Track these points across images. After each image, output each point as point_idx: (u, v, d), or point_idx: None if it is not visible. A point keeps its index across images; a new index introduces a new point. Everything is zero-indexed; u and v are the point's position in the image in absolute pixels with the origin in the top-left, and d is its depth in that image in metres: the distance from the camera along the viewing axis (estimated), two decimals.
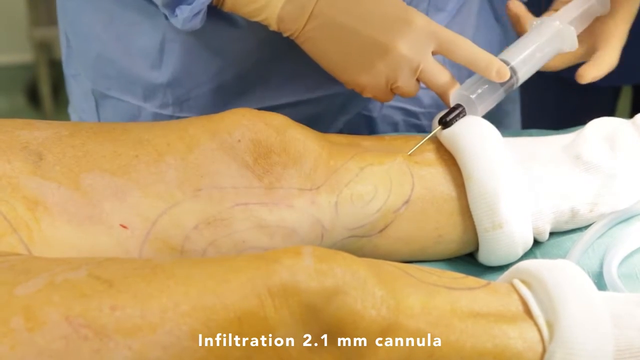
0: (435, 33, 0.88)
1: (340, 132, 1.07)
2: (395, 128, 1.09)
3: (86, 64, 1.05)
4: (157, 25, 0.95)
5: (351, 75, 0.90)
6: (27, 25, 2.79)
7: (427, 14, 1.02)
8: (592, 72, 0.94)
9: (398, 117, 1.08)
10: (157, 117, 1.02)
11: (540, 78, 1.47)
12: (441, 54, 0.90)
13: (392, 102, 1.06)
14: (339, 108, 1.04)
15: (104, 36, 1.00)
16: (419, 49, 0.88)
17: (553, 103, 1.53)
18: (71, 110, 1.14)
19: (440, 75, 0.89)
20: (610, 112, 1.55)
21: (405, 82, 0.89)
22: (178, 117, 1.01)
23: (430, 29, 0.88)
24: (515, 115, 1.25)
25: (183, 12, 0.88)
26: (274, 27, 0.88)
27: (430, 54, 0.89)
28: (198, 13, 0.88)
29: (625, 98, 1.68)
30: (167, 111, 1.01)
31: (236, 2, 0.88)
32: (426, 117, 1.09)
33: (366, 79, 0.89)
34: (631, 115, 0.96)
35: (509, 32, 1.09)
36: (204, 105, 1.00)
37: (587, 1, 0.96)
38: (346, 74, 0.90)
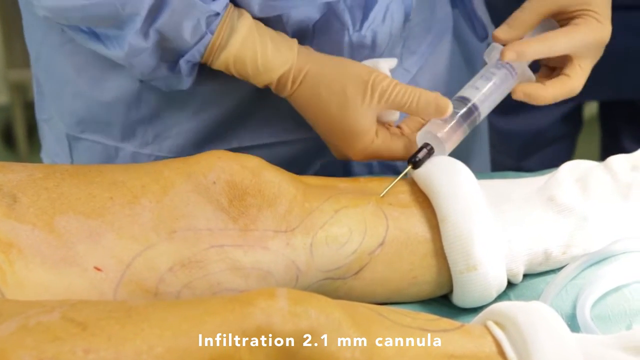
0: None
1: (316, 174, 1.07)
2: (370, 169, 1.10)
3: (60, 108, 1.05)
4: None
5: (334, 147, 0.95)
6: (3, 67, 2.79)
7: (400, 56, 1.03)
8: (551, 92, 0.96)
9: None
10: (136, 157, 1.02)
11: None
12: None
13: None
14: (316, 151, 1.04)
15: (79, 80, 1.00)
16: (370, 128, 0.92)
17: (518, 134, 1.55)
18: (44, 154, 1.14)
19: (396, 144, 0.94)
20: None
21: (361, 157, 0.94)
22: (157, 157, 1.01)
23: (381, 146, 0.93)
24: (483, 154, 1.26)
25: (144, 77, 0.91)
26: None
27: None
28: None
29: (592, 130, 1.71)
30: (147, 150, 1.01)
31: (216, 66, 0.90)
32: None
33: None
34: (600, 154, 0.97)
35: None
36: (184, 145, 1.00)
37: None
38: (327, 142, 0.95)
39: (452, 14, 1.12)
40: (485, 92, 0.94)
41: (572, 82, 0.96)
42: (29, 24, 1.03)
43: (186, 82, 0.91)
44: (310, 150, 1.04)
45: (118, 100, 0.99)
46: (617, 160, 0.90)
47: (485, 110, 0.95)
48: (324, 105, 0.91)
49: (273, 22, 0.92)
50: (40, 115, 1.10)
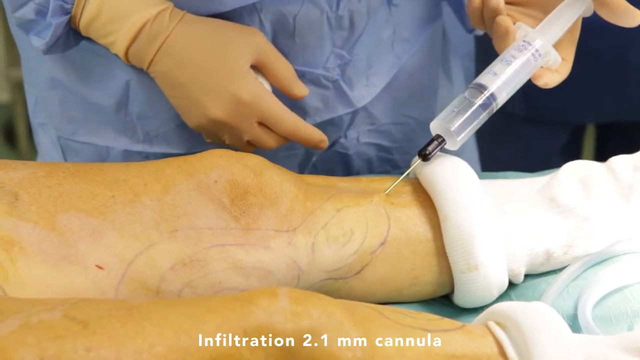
0: (258, 108, 0.91)
1: (315, 168, 1.08)
2: (369, 163, 1.10)
3: (50, 111, 1.05)
4: (120, 67, 0.96)
5: (191, 124, 0.94)
6: (4, 65, 2.79)
7: (392, 43, 1.04)
8: (553, 77, 0.92)
9: (372, 152, 1.09)
10: (128, 155, 1.03)
11: (510, 119, 1.48)
12: (267, 126, 0.93)
13: (365, 138, 1.08)
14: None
15: (67, 81, 1.01)
16: (241, 120, 0.91)
17: (519, 141, 1.55)
18: (40, 159, 1.14)
19: (267, 141, 0.94)
20: (577, 150, 1.58)
21: (237, 144, 0.94)
22: (148, 154, 1.02)
23: (254, 103, 0.91)
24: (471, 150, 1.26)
25: (36, 42, 0.92)
26: None
27: (256, 125, 0.92)
28: (56, 42, 0.92)
29: (590, 138, 1.70)
30: (138, 147, 1.02)
31: (89, 31, 0.92)
32: (398, 151, 1.10)
33: (204, 132, 0.95)
34: (595, 155, 0.97)
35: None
36: (175, 141, 1.01)
37: (573, 16, 0.91)
38: (188, 121, 0.94)
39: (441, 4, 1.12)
40: (504, 79, 0.88)
41: (570, 63, 0.94)
42: (15, 28, 1.04)
43: (53, 34, 0.91)
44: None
45: (107, 100, 1.00)
46: (618, 161, 0.90)
47: (503, 98, 0.89)
48: (201, 48, 0.91)
49: (248, 12, 0.93)
50: (35, 119, 1.11)
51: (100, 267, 0.76)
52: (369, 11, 0.99)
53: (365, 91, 1.04)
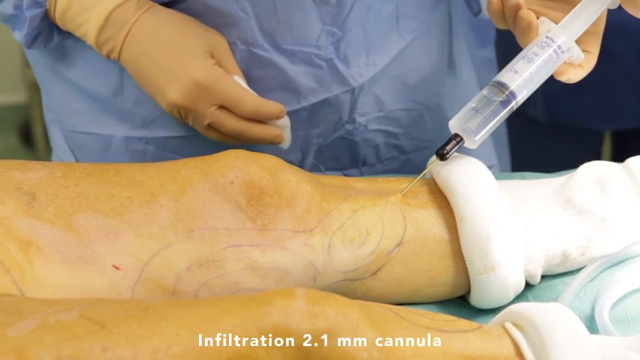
0: (216, 90, 0.92)
1: (321, 153, 1.08)
2: (376, 150, 1.10)
3: (55, 105, 1.07)
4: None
5: (160, 105, 0.95)
6: (21, 66, 2.80)
7: (397, 20, 1.04)
8: (576, 72, 0.90)
9: (379, 139, 1.09)
10: (129, 142, 1.04)
11: (530, 123, 1.47)
12: (228, 109, 0.94)
13: (373, 125, 1.08)
14: (306, 122, 1.05)
15: (67, 73, 1.03)
16: (199, 103, 0.92)
17: (542, 147, 1.54)
18: (55, 157, 1.15)
19: (228, 124, 0.94)
20: (597, 156, 1.57)
21: (198, 128, 0.95)
22: (147, 139, 1.03)
23: (211, 85, 0.92)
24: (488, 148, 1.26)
25: (18, 36, 0.95)
26: None
27: (213, 108, 0.93)
28: (37, 37, 0.95)
29: (607, 143, 1.69)
30: (138, 133, 1.03)
31: (65, 23, 0.94)
32: (405, 137, 1.10)
33: (173, 115, 0.96)
34: (612, 158, 0.96)
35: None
36: (172, 124, 1.02)
37: (598, 10, 0.89)
38: (156, 102, 0.96)
39: None
40: (525, 77, 0.86)
41: (595, 56, 0.91)
42: None
43: (29, 25, 0.94)
44: (301, 123, 1.05)
45: (104, 89, 1.01)
46: (636, 162, 0.90)
47: (523, 97, 0.87)
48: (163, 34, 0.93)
49: None
50: (47, 115, 1.12)
51: (117, 268, 0.76)
52: None
53: (364, 69, 1.03)
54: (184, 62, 0.92)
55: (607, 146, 1.69)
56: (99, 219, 0.77)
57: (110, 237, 0.77)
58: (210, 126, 0.94)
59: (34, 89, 2.81)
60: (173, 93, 0.92)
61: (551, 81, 0.90)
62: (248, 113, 0.93)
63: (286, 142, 0.99)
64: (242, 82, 0.96)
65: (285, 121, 0.98)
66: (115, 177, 0.81)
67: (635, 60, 1.33)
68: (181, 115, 0.95)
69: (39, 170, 0.80)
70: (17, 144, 3.03)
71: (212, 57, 0.94)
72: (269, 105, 0.95)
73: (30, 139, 2.93)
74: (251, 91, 0.95)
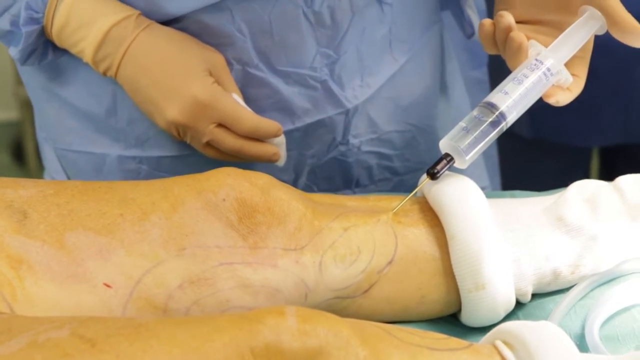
0: (215, 108, 0.93)
1: (314, 174, 1.08)
2: (369, 171, 1.10)
3: (48, 124, 1.07)
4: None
5: (160, 126, 0.96)
6: (14, 83, 2.80)
7: (389, 43, 1.04)
8: (564, 95, 0.91)
9: (372, 160, 1.09)
10: (122, 161, 1.04)
11: (517, 140, 1.48)
12: (226, 127, 0.95)
13: (367, 147, 1.09)
14: (299, 143, 1.05)
15: (60, 92, 1.03)
16: (198, 121, 0.93)
17: (530, 164, 1.54)
18: (46, 175, 1.15)
19: (227, 142, 0.95)
20: (585, 172, 1.57)
21: (196, 146, 0.96)
22: (141, 158, 1.03)
23: (210, 104, 0.93)
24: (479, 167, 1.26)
25: (13, 52, 0.95)
26: None
27: (212, 126, 0.94)
28: (32, 53, 0.95)
29: (595, 160, 1.70)
30: (131, 152, 1.03)
31: (61, 40, 0.94)
32: (398, 158, 1.11)
33: (171, 134, 0.96)
34: (601, 175, 0.96)
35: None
36: (166, 143, 1.02)
37: (586, 35, 0.90)
38: (154, 120, 0.96)
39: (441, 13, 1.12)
40: (515, 99, 0.87)
41: (583, 80, 0.92)
42: None
43: (24, 41, 0.94)
44: (295, 144, 1.05)
45: (98, 108, 1.01)
46: (625, 180, 0.90)
47: (513, 117, 0.88)
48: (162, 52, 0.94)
49: (218, 9, 0.95)
50: (40, 133, 1.12)
51: (108, 286, 0.76)
52: (354, 9, 0.99)
53: (358, 91, 1.04)
54: (184, 80, 0.92)
55: (595, 163, 1.70)
56: (90, 237, 0.77)
57: (101, 255, 0.77)
58: (208, 144, 0.95)
59: (26, 106, 2.82)
60: (173, 111, 0.92)
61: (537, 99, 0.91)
62: (246, 131, 0.94)
63: (282, 159, 1.00)
64: (240, 100, 0.96)
65: (281, 139, 0.98)
66: (107, 195, 0.81)
67: (618, 77, 1.34)
68: (179, 133, 0.95)
69: (30, 188, 0.80)
70: (8, 161, 3.02)
71: (211, 74, 0.94)
72: (267, 124, 0.95)
73: (22, 157, 2.93)
74: (249, 109, 0.95)
